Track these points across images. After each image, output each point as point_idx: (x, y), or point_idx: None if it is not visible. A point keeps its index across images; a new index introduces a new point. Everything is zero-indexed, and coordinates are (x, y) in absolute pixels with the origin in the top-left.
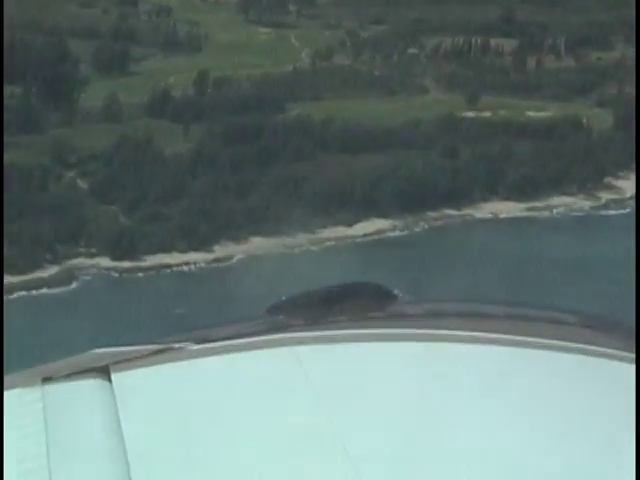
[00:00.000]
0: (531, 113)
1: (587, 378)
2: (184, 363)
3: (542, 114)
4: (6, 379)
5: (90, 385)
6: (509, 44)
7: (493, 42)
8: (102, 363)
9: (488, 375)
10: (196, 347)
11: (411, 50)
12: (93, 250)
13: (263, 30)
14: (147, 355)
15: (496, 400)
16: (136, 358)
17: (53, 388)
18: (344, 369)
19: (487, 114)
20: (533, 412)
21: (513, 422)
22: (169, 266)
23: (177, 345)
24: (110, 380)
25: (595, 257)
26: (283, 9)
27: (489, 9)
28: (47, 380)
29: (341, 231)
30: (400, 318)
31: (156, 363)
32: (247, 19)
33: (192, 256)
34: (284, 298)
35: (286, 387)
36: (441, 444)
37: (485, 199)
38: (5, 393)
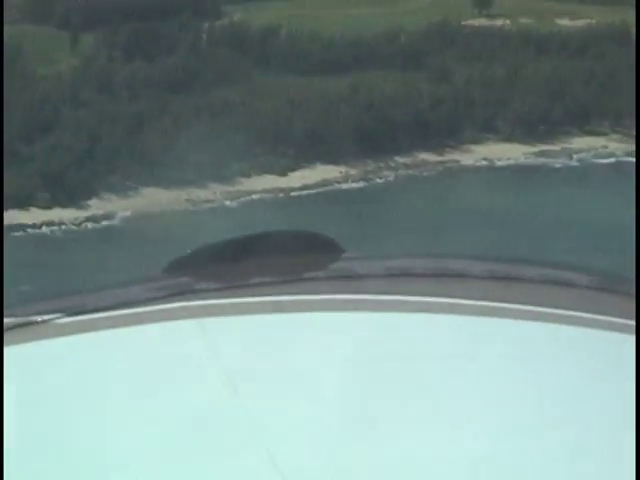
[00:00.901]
0: (563, 21)
1: (603, 359)
2: (51, 342)
3: (578, 22)
4: None
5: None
6: None
7: None
8: None
9: (463, 357)
10: (67, 320)
11: None
12: None
13: None
14: (4, 330)
15: (471, 392)
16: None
17: None
18: (268, 349)
19: (500, 22)
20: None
21: (490, 421)
22: (23, 227)
23: (41, 318)
24: None
25: (628, 223)
26: None
27: None
28: None
29: (270, 181)
30: (348, 279)
31: (13, 342)
32: None
33: (57, 213)
34: (189, 252)
35: (189, 373)
36: (384, 448)
37: (478, 140)
38: None
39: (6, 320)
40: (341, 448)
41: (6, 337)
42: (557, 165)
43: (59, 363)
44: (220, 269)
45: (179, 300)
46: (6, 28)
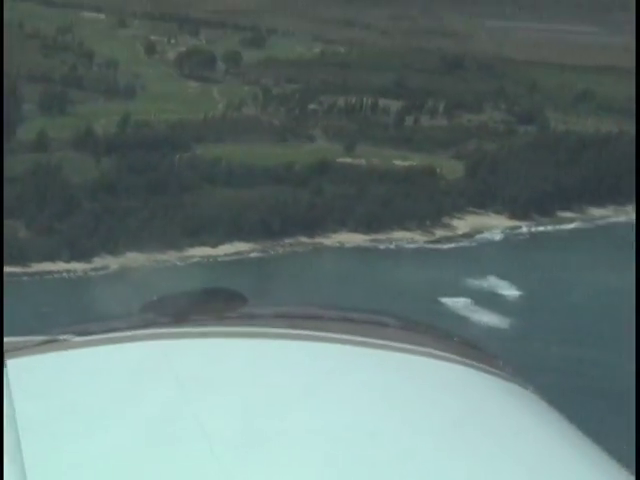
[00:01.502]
0: (397, 162)
1: (402, 373)
2: (67, 352)
3: (405, 163)
4: None
5: None
6: (396, 105)
7: (382, 102)
8: None
9: (322, 369)
10: (77, 339)
11: (311, 106)
12: None
13: (192, 84)
14: (36, 345)
15: (328, 390)
16: (27, 347)
17: None
18: (203, 360)
19: (359, 161)
20: (359, 401)
21: (342, 409)
22: (51, 273)
23: (62, 337)
24: (5, 365)
25: (414, 282)
26: (213, 67)
27: (386, 75)
28: None
29: (206, 251)
30: (250, 318)
31: (44, 352)
32: (181, 74)
33: (73, 265)
34: (155, 298)
35: (152, 376)
36: (285, 427)
37: (335, 231)
38: None
39: (40, 337)
40: (253, 422)
41: (40, 349)
42: (381, 247)
43: (71, 369)
44: (173, 309)
45: (148, 328)
46: (56, 154)
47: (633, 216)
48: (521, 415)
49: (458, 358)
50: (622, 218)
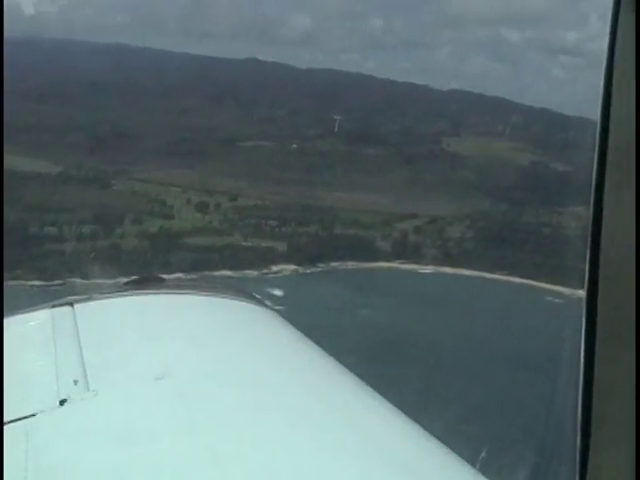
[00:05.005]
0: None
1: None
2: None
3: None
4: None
5: (65, 310)
6: (274, 223)
7: (270, 222)
8: (70, 302)
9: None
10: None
11: (239, 222)
12: None
13: (198, 214)
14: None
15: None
16: (88, 298)
17: (47, 312)
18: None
19: (249, 244)
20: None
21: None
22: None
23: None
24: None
25: (253, 289)
26: (209, 208)
27: (282, 210)
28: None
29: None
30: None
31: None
32: (196, 211)
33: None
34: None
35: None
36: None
37: (216, 270)
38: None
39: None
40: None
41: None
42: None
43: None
44: (145, 284)
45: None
46: (130, 239)
47: (347, 267)
48: (266, 325)
49: (231, 296)
50: (342, 267)
